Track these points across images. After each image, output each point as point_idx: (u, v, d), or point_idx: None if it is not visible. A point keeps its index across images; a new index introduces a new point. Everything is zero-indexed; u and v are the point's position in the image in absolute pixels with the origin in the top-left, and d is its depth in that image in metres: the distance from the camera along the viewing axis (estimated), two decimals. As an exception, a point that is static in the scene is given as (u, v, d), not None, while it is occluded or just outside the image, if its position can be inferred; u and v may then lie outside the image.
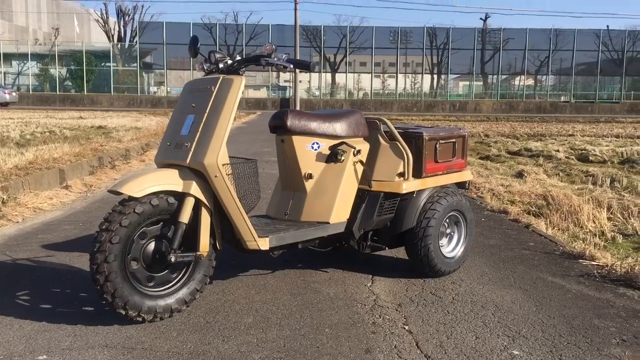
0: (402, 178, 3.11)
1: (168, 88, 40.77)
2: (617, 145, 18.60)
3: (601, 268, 3.46)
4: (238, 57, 2.76)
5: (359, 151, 3.06)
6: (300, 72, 37.38)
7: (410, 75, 44.82)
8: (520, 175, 8.73)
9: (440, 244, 3.23)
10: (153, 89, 42.91)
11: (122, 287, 2.42)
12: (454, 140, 3.32)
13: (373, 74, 42.48)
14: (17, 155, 7.98)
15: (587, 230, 6.28)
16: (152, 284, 2.57)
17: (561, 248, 3.91)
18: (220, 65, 2.76)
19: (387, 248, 3.22)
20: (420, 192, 3.17)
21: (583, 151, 15.20)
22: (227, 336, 2.43)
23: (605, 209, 6.91)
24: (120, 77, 39.66)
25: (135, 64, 39.77)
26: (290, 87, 42.13)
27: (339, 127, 3.07)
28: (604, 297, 2.99)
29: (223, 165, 2.55)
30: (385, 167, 3.14)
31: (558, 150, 15.47)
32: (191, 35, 2.90)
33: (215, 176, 2.53)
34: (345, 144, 3.02)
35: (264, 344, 2.36)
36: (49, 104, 35.05)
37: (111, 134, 17.26)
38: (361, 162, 3.09)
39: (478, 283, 3.18)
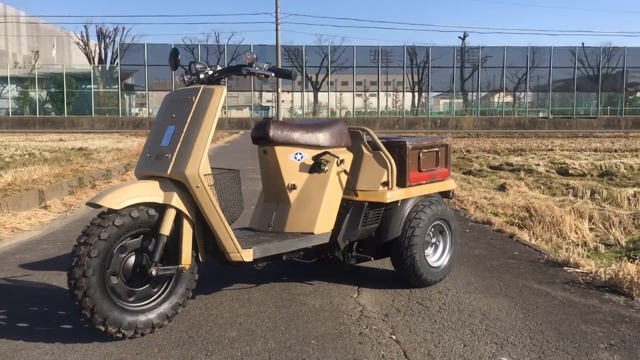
0: (386, 187, 3.09)
1: (150, 109, 40.61)
2: (596, 158, 18.85)
3: (586, 275, 3.45)
4: (219, 67, 2.74)
5: (342, 161, 3.04)
6: (282, 91, 37.50)
7: (391, 93, 45.20)
8: (502, 188, 8.78)
9: (425, 254, 3.20)
10: (134, 110, 42.74)
11: (102, 303, 2.36)
12: (437, 149, 3.32)
13: (355, 93, 42.75)
14: (-3, 177, 7.84)
15: (570, 240, 6.31)
16: (132, 298, 2.51)
17: (545, 256, 3.90)
18: (201, 76, 2.73)
19: (372, 258, 3.19)
20: (404, 201, 3.15)
21: (563, 165, 15.37)
22: (210, 351, 2.37)
23: (587, 219, 6.96)
24: (102, 99, 39.45)
25: (116, 86, 39.61)
26: (272, 106, 42.23)
27: (321, 137, 3.05)
28: (590, 302, 2.98)
29: (205, 175, 2.51)
30: (369, 177, 3.12)
31: (538, 165, 15.62)
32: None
33: (197, 187, 2.49)
34: (329, 153, 3.00)
35: (249, 357, 2.30)
36: (28, 127, 34.70)
37: (92, 155, 17.10)
38: (345, 172, 3.06)
39: (464, 292, 3.16)
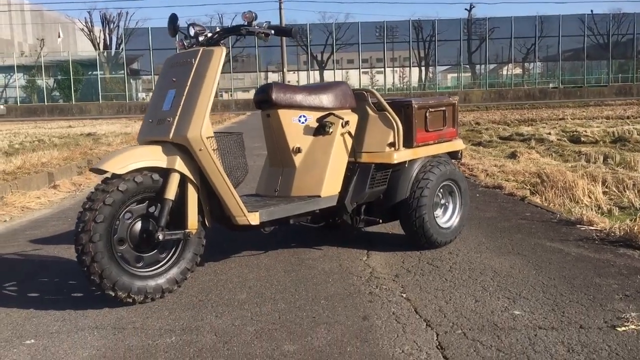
0: (392, 148, 3.04)
1: (156, 94, 40.45)
2: (608, 126, 18.63)
3: (600, 232, 3.41)
4: (218, 29, 2.69)
5: (347, 122, 2.99)
6: (288, 71, 37.27)
7: (398, 69, 44.84)
8: (513, 156, 8.70)
9: (435, 215, 3.16)
10: (141, 95, 42.71)
11: (110, 268, 2.35)
12: (444, 108, 3.26)
13: (361, 70, 42.43)
14: (5, 163, 7.87)
15: (583, 204, 6.24)
16: (141, 264, 2.50)
17: (558, 216, 3.86)
18: (200, 38, 2.68)
19: (381, 221, 3.15)
20: (412, 162, 3.11)
21: (574, 133, 15.19)
22: (220, 312, 2.35)
23: (600, 183, 6.88)
24: (108, 85, 39.44)
25: (122, 71, 39.56)
26: (279, 86, 41.99)
27: (325, 99, 3.00)
28: (604, 257, 2.94)
29: (207, 138, 2.48)
30: (375, 138, 3.07)
31: (550, 133, 15.46)
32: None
33: (200, 150, 2.46)
34: (333, 114, 2.95)
35: (259, 317, 2.29)
36: (37, 115, 34.80)
37: (100, 139, 17.15)
38: (350, 133, 3.02)
39: (475, 252, 3.12)
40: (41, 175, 6.80)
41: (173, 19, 2.85)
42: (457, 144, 3.38)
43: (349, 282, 2.69)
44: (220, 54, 2.55)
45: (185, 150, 2.50)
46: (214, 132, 2.60)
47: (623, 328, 2.08)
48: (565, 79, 42.34)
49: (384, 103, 3.08)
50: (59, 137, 19.06)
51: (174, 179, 2.49)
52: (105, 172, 2.38)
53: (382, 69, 42.31)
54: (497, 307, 2.33)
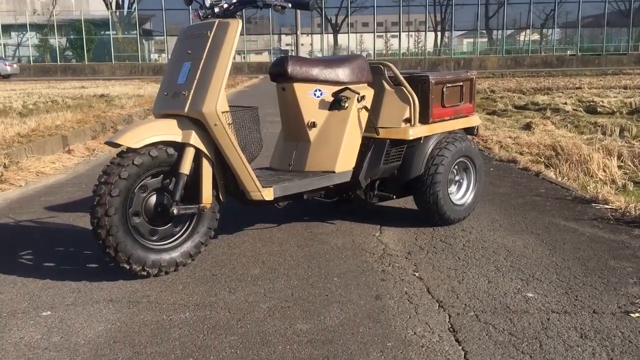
0: (408, 124, 3.01)
1: (169, 55, 40.30)
2: (626, 96, 18.33)
3: (615, 211, 3.38)
4: (234, 0, 2.64)
5: (363, 97, 2.95)
6: (302, 34, 36.83)
7: (413, 34, 44.11)
8: (528, 127, 8.61)
9: (449, 192, 3.14)
10: (154, 56, 42.47)
11: (125, 241, 2.36)
12: (461, 83, 3.20)
13: (376, 34, 41.81)
14: (20, 124, 7.91)
15: (598, 179, 6.19)
16: (155, 237, 2.51)
17: (573, 193, 3.82)
18: (216, 10, 2.64)
19: (394, 197, 3.14)
20: (427, 138, 3.08)
21: (591, 103, 14.97)
22: (233, 288, 2.37)
23: (616, 157, 6.81)
24: (121, 45, 39.21)
25: (134, 32, 39.27)
26: (292, 50, 41.62)
27: (341, 73, 2.95)
28: (619, 238, 2.91)
29: (222, 113, 2.46)
30: (391, 113, 3.04)
31: (565, 103, 15.26)
32: None
33: (215, 124, 2.44)
34: (349, 89, 2.91)
35: (272, 293, 2.30)
36: (50, 74, 34.78)
37: (113, 101, 17.14)
38: (365, 108, 2.98)
39: (489, 230, 3.11)
40: (55, 139, 6.83)
41: (187, -13, 2.81)
42: (474, 120, 3.33)
43: (361, 259, 2.69)
44: (236, 27, 2.51)
45: (200, 125, 2.49)
46: (229, 106, 2.58)
47: (637, 314, 2.07)
48: (584, 47, 41.52)
49: (401, 77, 3.04)
50: (72, 98, 19.05)
51: (189, 154, 2.48)
52: (121, 145, 2.38)
53: (397, 33, 41.63)
54: (510, 288, 2.33)
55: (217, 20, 2.55)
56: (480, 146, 6.37)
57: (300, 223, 3.26)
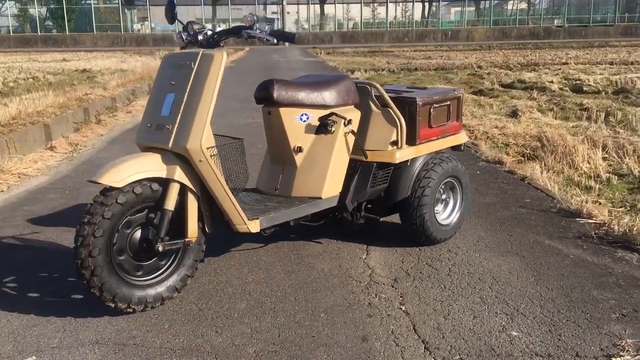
0: (395, 147, 2.99)
1: (152, 24, 39.60)
2: (611, 72, 18.40)
3: (599, 227, 3.40)
4: (218, 29, 2.58)
5: (349, 121, 2.92)
6: (288, 4, 36.32)
7: (401, 3, 43.65)
8: (514, 114, 8.62)
9: (435, 211, 3.15)
10: (137, 25, 41.69)
11: (110, 280, 2.35)
12: (448, 102, 3.18)
13: (362, 3, 41.32)
14: (1, 107, 7.78)
15: (582, 172, 6.25)
16: (140, 273, 2.49)
17: (558, 205, 3.83)
18: (200, 37, 2.58)
19: (380, 219, 3.14)
20: (414, 159, 3.07)
21: (577, 81, 15.02)
22: (220, 326, 2.37)
23: (600, 148, 6.86)
24: (102, 15, 38.42)
25: (116, 1, 38.45)
26: (278, 19, 41.04)
27: (328, 96, 2.91)
28: (602, 262, 2.94)
29: (208, 148, 2.42)
30: (378, 136, 3.01)
31: (552, 82, 15.29)
32: None
33: (200, 160, 2.41)
34: (335, 114, 2.88)
35: (259, 334, 2.31)
36: (30, 45, 34.06)
37: (96, 78, 16.86)
38: (352, 132, 2.95)
39: (474, 250, 3.13)
40: (37, 127, 6.72)
41: (170, 5, 2.74)
42: (461, 138, 3.32)
43: (348, 288, 2.70)
44: (220, 59, 2.46)
45: (184, 159, 2.45)
46: (214, 135, 2.54)
47: (618, 358, 2.11)
48: (571, 17, 41.38)
49: (387, 99, 3.00)
50: (53, 74, 18.71)
51: (174, 189, 2.45)
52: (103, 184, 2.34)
53: (385, 2, 41.16)
54: (495, 325, 2.35)
55: (201, 51, 2.49)
56: (467, 138, 6.38)
57: (287, 243, 3.24)
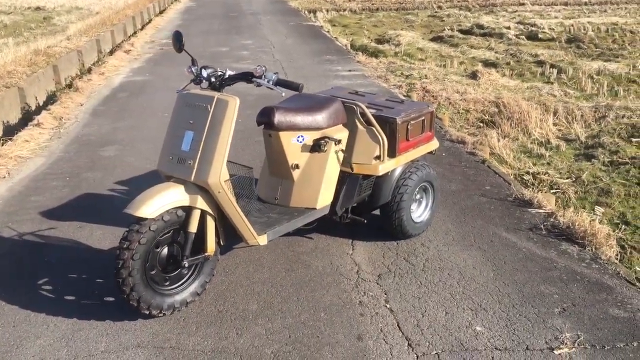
0: (378, 160, 3.45)
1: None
2: (565, 15, 18.89)
3: (547, 218, 3.98)
4: (229, 74, 2.94)
5: (339, 141, 3.35)
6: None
7: None
8: (474, 76, 9.09)
9: (411, 210, 3.66)
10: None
11: (146, 294, 2.80)
12: (423, 118, 3.63)
13: None
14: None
15: (535, 138, 6.88)
16: (167, 283, 2.95)
17: (514, 195, 4.39)
18: (212, 79, 2.93)
19: (365, 221, 3.63)
20: (394, 169, 3.54)
21: (533, 27, 15.54)
22: (239, 328, 2.87)
23: (552, 114, 7.50)
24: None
25: None
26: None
27: (320, 119, 3.32)
28: (549, 256, 3.53)
29: (225, 181, 2.84)
30: (363, 151, 3.45)
31: (509, 27, 15.77)
32: None
33: (219, 192, 2.83)
34: (327, 137, 3.30)
35: (272, 335, 2.81)
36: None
37: (52, 19, 16.40)
38: (342, 150, 3.39)
39: (444, 244, 3.67)
40: (12, 92, 6.89)
41: (178, 36, 3.06)
42: (433, 145, 3.80)
43: (340, 287, 3.22)
44: (234, 105, 2.83)
45: (204, 189, 2.87)
46: (228, 161, 2.94)
47: (559, 351, 2.71)
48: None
49: (371, 118, 3.43)
50: (5, 13, 18.10)
51: (196, 214, 2.88)
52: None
53: None
54: (463, 322, 2.92)
55: (215, 97, 2.85)
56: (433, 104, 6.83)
57: (283, 239, 3.71)
